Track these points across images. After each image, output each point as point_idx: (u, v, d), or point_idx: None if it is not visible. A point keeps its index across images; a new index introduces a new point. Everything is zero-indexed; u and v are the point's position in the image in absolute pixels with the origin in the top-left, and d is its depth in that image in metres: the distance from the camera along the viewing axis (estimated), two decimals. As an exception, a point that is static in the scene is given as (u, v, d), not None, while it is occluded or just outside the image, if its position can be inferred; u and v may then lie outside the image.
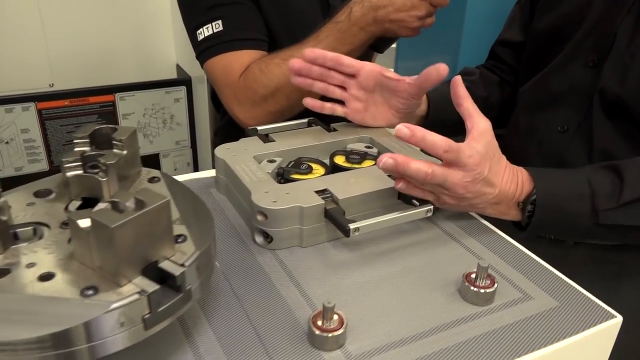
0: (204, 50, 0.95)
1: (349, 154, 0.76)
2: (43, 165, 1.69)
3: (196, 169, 1.93)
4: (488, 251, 0.65)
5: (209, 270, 0.48)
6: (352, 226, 0.59)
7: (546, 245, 0.87)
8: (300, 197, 0.63)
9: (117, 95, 1.71)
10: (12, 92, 1.63)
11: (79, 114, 1.68)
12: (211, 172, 0.79)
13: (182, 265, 0.42)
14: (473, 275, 0.57)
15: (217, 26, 0.93)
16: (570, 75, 0.85)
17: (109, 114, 1.72)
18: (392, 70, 0.94)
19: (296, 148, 0.77)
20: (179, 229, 0.47)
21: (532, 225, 0.68)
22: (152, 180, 0.54)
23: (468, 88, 0.96)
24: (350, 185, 0.67)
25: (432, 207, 0.64)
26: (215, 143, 1.24)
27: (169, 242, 0.43)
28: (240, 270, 0.60)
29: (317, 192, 0.65)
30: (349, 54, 0.89)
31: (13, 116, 1.61)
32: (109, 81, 1.74)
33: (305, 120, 0.86)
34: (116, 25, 1.74)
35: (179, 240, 0.45)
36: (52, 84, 1.76)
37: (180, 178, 0.79)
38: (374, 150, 0.78)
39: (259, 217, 0.63)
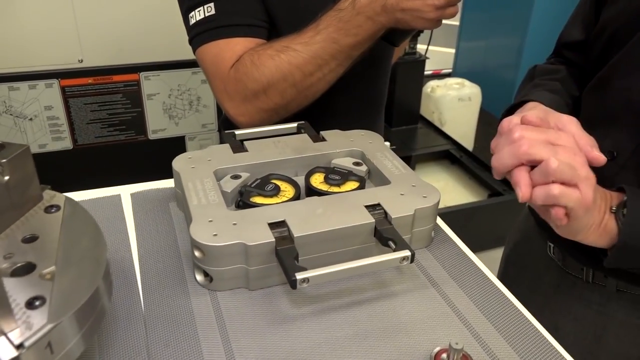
0: (195, 36, 0.85)
1: (329, 173, 0.64)
2: (67, 144, 1.66)
3: (223, 154, 1.85)
4: (480, 314, 0.52)
5: (86, 337, 0.38)
6: (299, 276, 0.47)
7: (582, 289, 0.72)
8: (248, 231, 0.52)
9: (142, 75, 1.64)
10: (37, 67, 1.59)
11: (103, 93, 1.63)
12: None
13: (20, 346, 0.33)
14: (444, 356, 0.44)
15: (209, 9, 0.82)
16: (628, 89, 0.67)
17: (133, 94, 1.66)
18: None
19: (268, 162, 0.65)
20: (42, 287, 0.37)
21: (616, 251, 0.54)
22: (49, 209, 0.45)
23: (556, 92, 0.74)
24: (314, 218, 0.55)
25: (410, 254, 0.51)
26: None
27: (4, 314, 0.33)
28: (166, 316, 0.50)
29: (271, 224, 0.53)
30: (354, 46, 0.76)
31: (36, 93, 1.57)
32: (137, 59, 1.68)
33: (295, 124, 0.74)
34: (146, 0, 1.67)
35: (36, 304, 0.35)
36: (82, 60, 1.72)
37: (141, 187, 0.70)
38: (362, 169, 0.66)
39: (197, 253, 0.52)
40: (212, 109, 1.76)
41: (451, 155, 2.62)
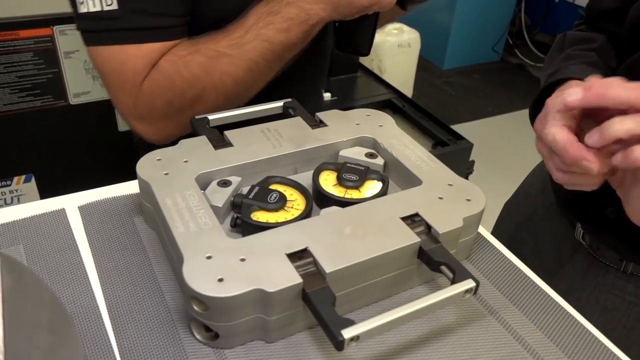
0: (89, 32, 0.63)
1: (342, 171, 0.51)
2: (-32, 114, 1.40)
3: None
4: (557, 350, 0.42)
5: None
6: (347, 335, 0.35)
7: (616, 278, 0.64)
8: (264, 269, 0.39)
9: (56, 29, 1.39)
10: None
11: (8, 52, 1.37)
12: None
13: None
14: None
15: (108, 1, 0.60)
16: None
17: (47, 52, 1.41)
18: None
19: (263, 160, 0.51)
20: None
21: None
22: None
23: (593, 65, 0.61)
24: (344, 242, 0.42)
25: (474, 285, 0.40)
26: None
27: None
28: (162, 395, 0.37)
29: (290, 255, 0.40)
30: (287, 45, 0.62)
31: None
32: (49, 9, 1.42)
33: (280, 103, 0.60)
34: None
35: None
36: (-24, 11, 1.43)
37: (91, 196, 0.53)
38: (379, 162, 0.53)
39: (196, 306, 0.38)
40: (142, 67, 1.54)
41: (393, 105, 2.54)
